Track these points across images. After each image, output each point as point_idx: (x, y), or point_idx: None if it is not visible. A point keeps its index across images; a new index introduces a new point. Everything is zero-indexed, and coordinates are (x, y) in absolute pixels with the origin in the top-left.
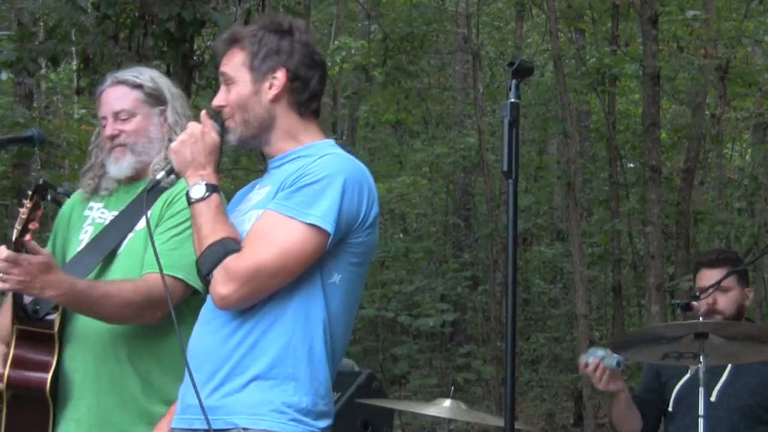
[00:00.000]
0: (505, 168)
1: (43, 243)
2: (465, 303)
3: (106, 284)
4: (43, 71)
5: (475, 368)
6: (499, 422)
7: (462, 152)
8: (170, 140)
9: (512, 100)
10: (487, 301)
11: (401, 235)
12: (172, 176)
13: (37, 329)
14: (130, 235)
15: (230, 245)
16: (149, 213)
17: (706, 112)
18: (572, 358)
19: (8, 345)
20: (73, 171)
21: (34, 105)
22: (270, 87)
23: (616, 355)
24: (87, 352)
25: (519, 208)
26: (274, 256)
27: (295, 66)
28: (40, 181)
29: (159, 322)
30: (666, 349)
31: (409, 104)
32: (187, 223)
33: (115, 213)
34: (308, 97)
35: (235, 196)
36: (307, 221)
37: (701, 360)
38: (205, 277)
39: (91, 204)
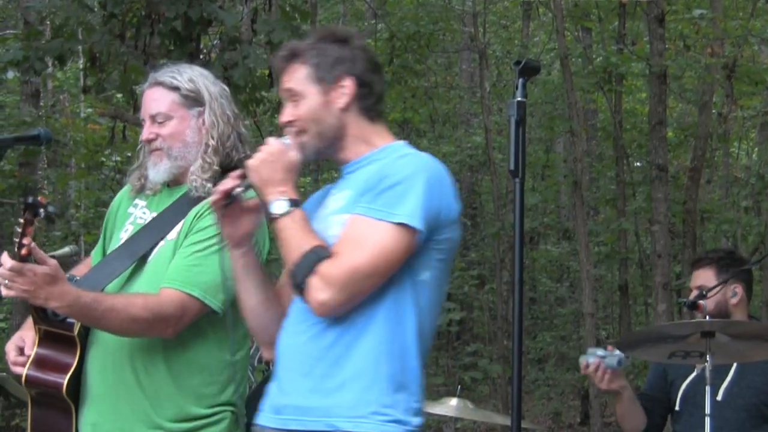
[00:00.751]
0: (512, 167)
1: (48, 246)
2: (472, 302)
3: (113, 298)
4: (49, 70)
5: (481, 367)
6: (506, 421)
7: (469, 151)
8: (206, 144)
9: (519, 98)
10: (493, 300)
11: None
12: (209, 186)
13: (59, 331)
14: (162, 243)
15: (322, 252)
16: (182, 223)
17: (713, 111)
18: (579, 356)
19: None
20: (80, 170)
21: (41, 104)
22: (339, 96)
23: (618, 352)
24: (106, 358)
25: (526, 207)
26: (367, 259)
27: (360, 72)
28: (30, 200)
29: (176, 337)
30: (672, 347)
31: (415, 103)
32: (211, 241)
33: (155, 215)
34: (375, 100)
35: (308, 202)
36: (396, 221)
37: (708, 359)
38: (299, 286)
39: (137, 201)
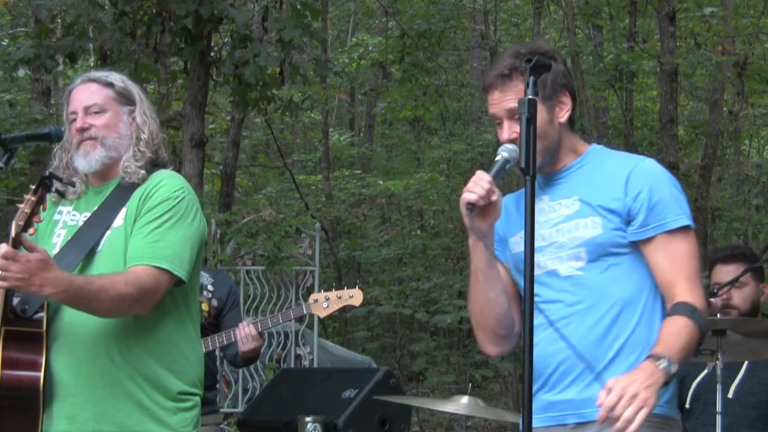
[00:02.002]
0: (523, 164)
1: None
2: None
3: (100, 278)
4: (60, 68)
5: (492, 365)
6: (517, 419)
7: (480, 149)
8: (138, 138)
9: (529, 96)
10: None
11: (419, 232)
12: (143, 173)
13: (25, 329)
14: (108, 232)
15: (692, 312)
16: (125, 210)
17: (724, 109)
18: None
19: None
20: None
21: (52, 101)
22: (560, 112)
23: None
24: (76, 349)
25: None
26: (698, 270)
27: (571, 87)
28: (46, 173)
29: (147, 314)
30: None
31: (426, 101)
32: (166, 216)
33: (87, 214)
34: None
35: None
36: (686, 223)
37: (719, 357)
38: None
39: (60, 208)
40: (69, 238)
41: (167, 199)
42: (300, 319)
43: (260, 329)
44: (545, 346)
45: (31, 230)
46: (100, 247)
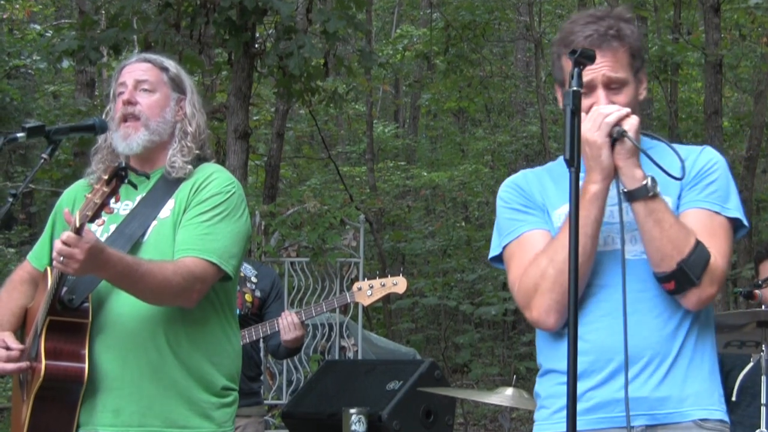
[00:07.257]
0: (567, 156)
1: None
2: None
3: (148, 262)
4: (104, 59)
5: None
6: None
7: (524, 140)
8: (184, 131)
9: (574, 88)
10: None
11: (463, 224)
12: (189, 167)
13: (69, 319)
14: (154, 223)
15: (706, 248)
16: (173, 201)
17: None
18: None
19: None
20: None
21: (96, 93)
22: (643, 89)
23: None
24: (123, 342)
25: None
26: (726, 257)
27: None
28: (122, 164)
29: (195, 308)
30: (728, 337)
31: (471, 92)
32: (217, 210)
33: (128, 203)
34: None
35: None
36: (731, 216)
37: (764, 348)
38: (693, 280)
39: None
40: (113, 228)
41: (218, 193)
42: (344, 311)
43: (303, 319)
44: (607, 335)
45: (99, 221)
46: (146, 238)
